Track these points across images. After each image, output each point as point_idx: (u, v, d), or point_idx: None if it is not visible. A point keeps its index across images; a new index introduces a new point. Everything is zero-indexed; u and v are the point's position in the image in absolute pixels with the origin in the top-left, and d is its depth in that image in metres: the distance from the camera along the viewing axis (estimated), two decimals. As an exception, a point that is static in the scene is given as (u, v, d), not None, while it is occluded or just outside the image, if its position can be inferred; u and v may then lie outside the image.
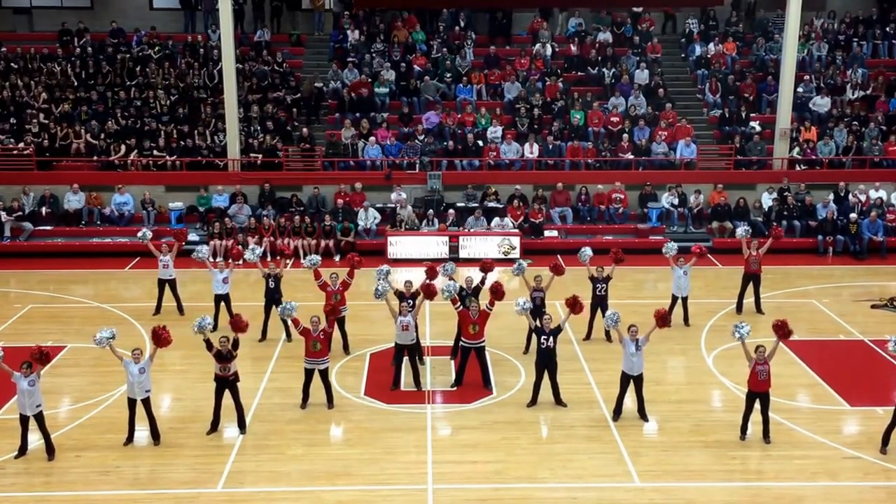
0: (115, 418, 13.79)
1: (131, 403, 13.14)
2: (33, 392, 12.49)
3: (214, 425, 13.56)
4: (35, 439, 12.91)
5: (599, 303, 17.07)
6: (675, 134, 25.85)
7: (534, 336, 14.70)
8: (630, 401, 14.06)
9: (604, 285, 17.04)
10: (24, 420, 12.67)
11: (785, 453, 13.07)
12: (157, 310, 18.55)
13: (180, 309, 18.49)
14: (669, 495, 12.04)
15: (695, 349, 17.05)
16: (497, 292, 14.92)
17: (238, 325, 13.61)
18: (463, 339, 15.07)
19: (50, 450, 12.82)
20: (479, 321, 14.78)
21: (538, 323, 14.30)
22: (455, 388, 15.17)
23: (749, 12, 30.45)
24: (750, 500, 12.02)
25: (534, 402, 14.47)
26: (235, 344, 13.43)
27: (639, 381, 13.87)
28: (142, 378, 12.98)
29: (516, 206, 24.23)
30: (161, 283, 18.47)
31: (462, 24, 29.34)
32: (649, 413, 14.01)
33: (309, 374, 14.33)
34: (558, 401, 14.47)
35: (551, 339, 14.13)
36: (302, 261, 18.42)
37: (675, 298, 17.88)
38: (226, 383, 13.42)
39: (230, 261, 17.70)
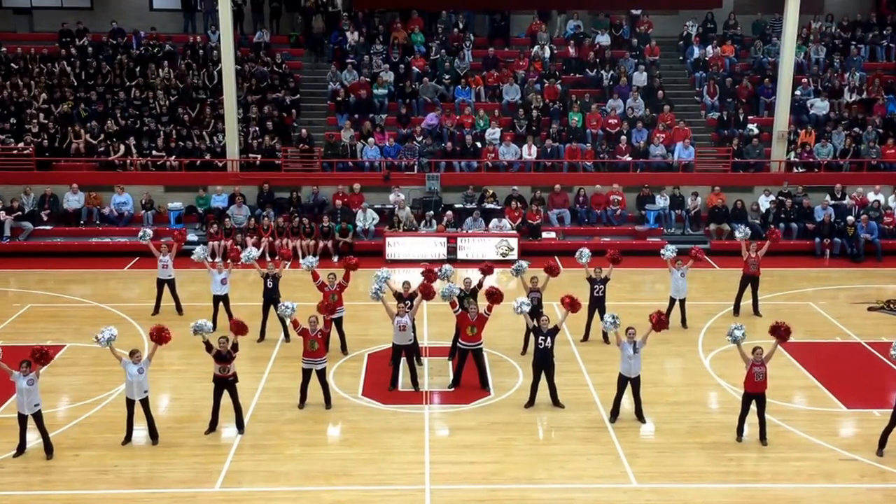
0: (114, 417, 13.80)
1: (129, 404, 13.16)
2: (32, 391, 12.50)
3: (213, 425, 13.57)
4: (33, 438, 12.92)
5: (597, 304, 17.11)
6: (673, 136, 25.90)
7: (531, 336, 14.73)
8: (627, 402, 14.09)
9: (602, 286, 17.07)
10: (22, 419, 12.69)
11: (781, 455, 13.10)
12: (156, 310, 18.58)
13: (179, 309, 18.52)
14: (666, 497, 12.07)
15: (692, 351, 17.09)
16: (494, 296, 14.87)
17: (239, 329, 13.63)
18: (461, 340, 15.09)
19: (48, 449, 12.83)
20: (476, 323, 14.80)
21: (536, 323, 14.34)
22: (453, 389, 15.20)
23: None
24: (746, 501, 12.03)
25: (531, 402, 14.50)
26: (235, 347, 13.43)
27: (636, 383, 13.88)
28: (140, 378, 12.99)
29: (514, 207, 24.27)
30: (160, 283, 18.51)
31: (461, 25, 29.38)
32: (646, 414, 14.04)
33: (307, 374, 14.35)
34: (556, 402, 14.50)
35: (549, 339, 14.15)
36: (301, 261, 18.44)
37: (672, 300, 17.92)
38: (225, 384, 13.43)
39: (229, 261, 17.73)
